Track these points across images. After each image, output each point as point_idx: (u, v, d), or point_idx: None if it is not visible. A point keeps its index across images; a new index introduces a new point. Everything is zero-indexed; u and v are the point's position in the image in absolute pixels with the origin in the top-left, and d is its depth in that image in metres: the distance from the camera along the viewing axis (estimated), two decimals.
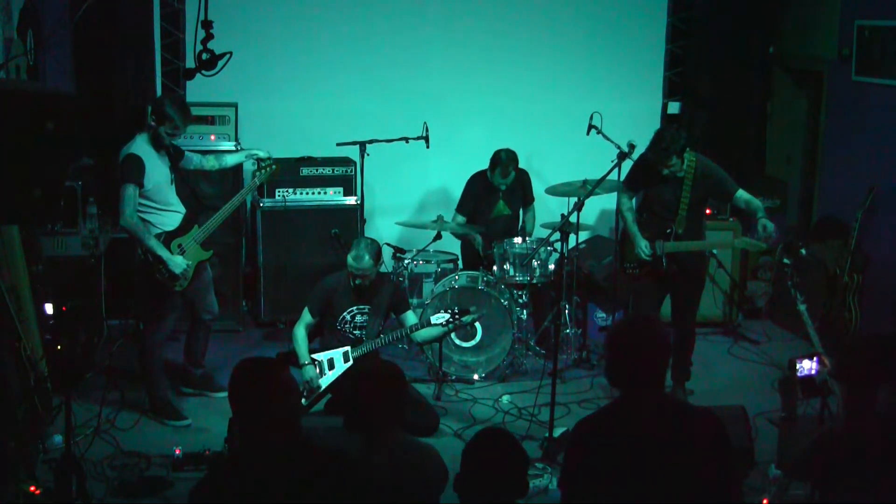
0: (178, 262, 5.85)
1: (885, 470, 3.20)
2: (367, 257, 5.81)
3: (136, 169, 5.76)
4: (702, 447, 3.28)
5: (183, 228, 5.95)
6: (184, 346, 6.48)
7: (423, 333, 6.03)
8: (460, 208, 7.50)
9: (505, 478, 3.09)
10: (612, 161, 6.47)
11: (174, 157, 6.02)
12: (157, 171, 5.86)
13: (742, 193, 6.13)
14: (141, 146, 5.84)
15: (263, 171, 6.30)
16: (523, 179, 7.53)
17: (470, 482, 3.09)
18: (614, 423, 3.33)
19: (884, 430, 3.24)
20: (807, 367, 4.26)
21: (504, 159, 7.19)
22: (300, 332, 5.96)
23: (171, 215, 5.94)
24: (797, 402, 3.99)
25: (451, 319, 5.85)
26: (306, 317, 5.98)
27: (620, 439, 3.25)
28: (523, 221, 7.57)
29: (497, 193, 7.40)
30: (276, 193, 7.54)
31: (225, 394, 6.23)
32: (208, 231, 6.02)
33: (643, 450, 3.23)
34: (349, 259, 5.86)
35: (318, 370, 5.86)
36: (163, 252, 5.81)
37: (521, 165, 7.67)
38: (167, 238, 5.88)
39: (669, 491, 3.21)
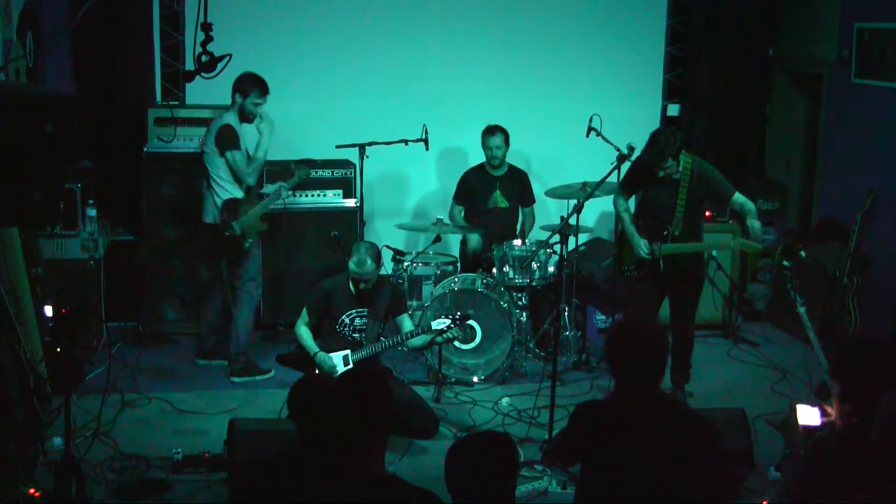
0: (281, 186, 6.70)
1: (883, 476, 3.20)
2: (369, 261, 5.79)
3: (235, 136, 6.39)
4: (690, 451, 3.40)
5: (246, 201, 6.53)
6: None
7: (417, 341, 5.99)
8: (457, 198, 7.56)
9: (489, 485, 3.03)
10: (612, 163, 6.47)
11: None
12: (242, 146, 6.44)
13: (739, 197, 6.12)
14: (232, 119, 6.44)
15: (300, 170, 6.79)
16: (521, 176, 7.57)
17: (455, 485, 3.03)
18: (611, 413, 3.57)
19: (882, 436, 3.23)
20: (807, 415, 4.19)
21: (486, 127, 7.41)
22: (303, 329, 5.94)
23: (235, 191, 6.49)
24: (800, 445, 4.00)
25: (451, 325, 5.83)
26: (305, 317, 5.97)
27: (614, 430, 3.48)
28: (522, 223, 7.57)
29: (494, 184, 7.43)
30: None
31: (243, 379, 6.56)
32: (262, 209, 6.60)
33: (634, 444, 3.44)
34: (351, 265, 5.83)
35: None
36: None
37: (521, 167, 7.68)
38: (235, 203, 6.45)
39: (652, 488, 3.41)
